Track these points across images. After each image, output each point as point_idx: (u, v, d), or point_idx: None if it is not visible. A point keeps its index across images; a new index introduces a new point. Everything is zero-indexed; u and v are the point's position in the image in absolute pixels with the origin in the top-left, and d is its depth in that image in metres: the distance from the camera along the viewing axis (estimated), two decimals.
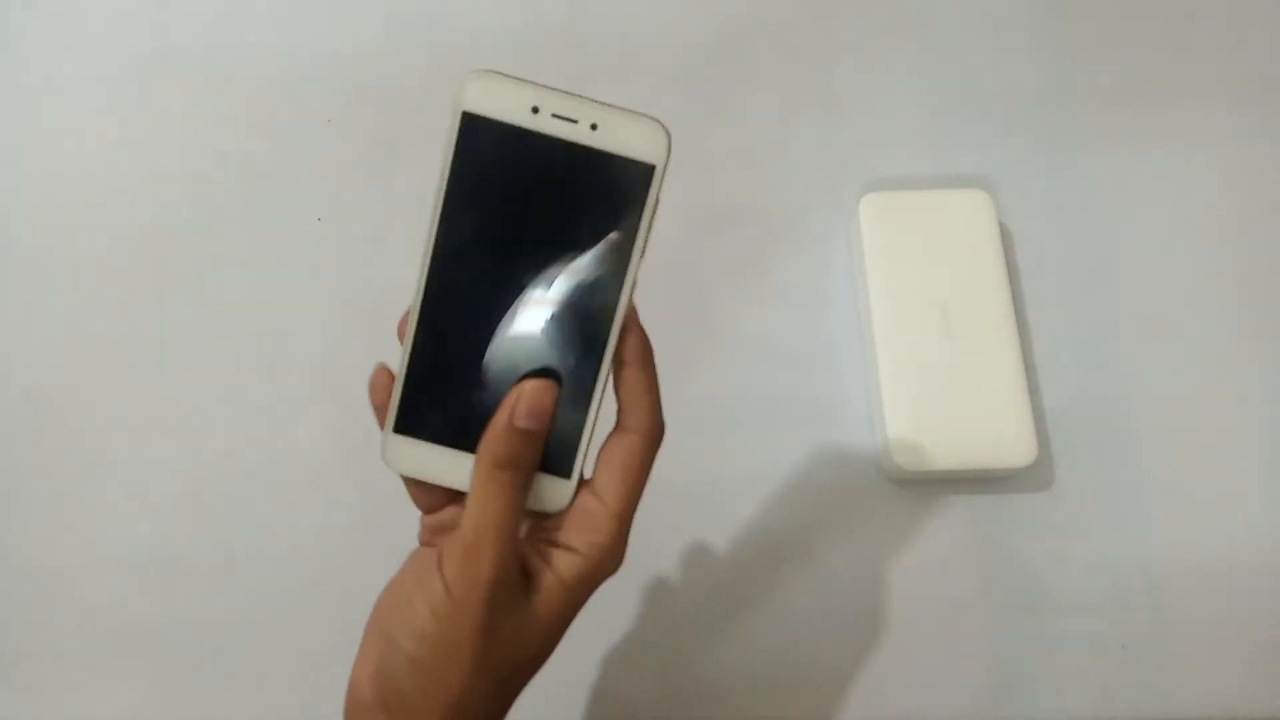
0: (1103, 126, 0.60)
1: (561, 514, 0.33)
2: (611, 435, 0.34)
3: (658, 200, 0.33)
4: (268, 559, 0.52)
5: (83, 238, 0.59)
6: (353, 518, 0.53)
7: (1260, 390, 0.55)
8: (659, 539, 0.52)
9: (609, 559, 0.33)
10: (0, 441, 0.55)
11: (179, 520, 0.53)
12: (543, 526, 0.34)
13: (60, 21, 0.64)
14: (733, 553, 0.52)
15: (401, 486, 0.54)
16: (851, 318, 0.56)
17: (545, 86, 0.32)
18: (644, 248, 0.32)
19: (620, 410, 0.34)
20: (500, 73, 0.31)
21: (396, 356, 0.36)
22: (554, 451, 0.33)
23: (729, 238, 0.58)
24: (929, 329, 0.52)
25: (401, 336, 0.33)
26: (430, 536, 0.36)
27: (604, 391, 0.33)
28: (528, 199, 0.32)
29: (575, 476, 0.33)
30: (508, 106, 0.31)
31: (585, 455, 0.33)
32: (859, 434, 0.54)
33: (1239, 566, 0.51)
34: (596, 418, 0.33)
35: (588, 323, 0.32)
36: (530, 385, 0.31)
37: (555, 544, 0.33)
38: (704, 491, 0.53)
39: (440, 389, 0.33)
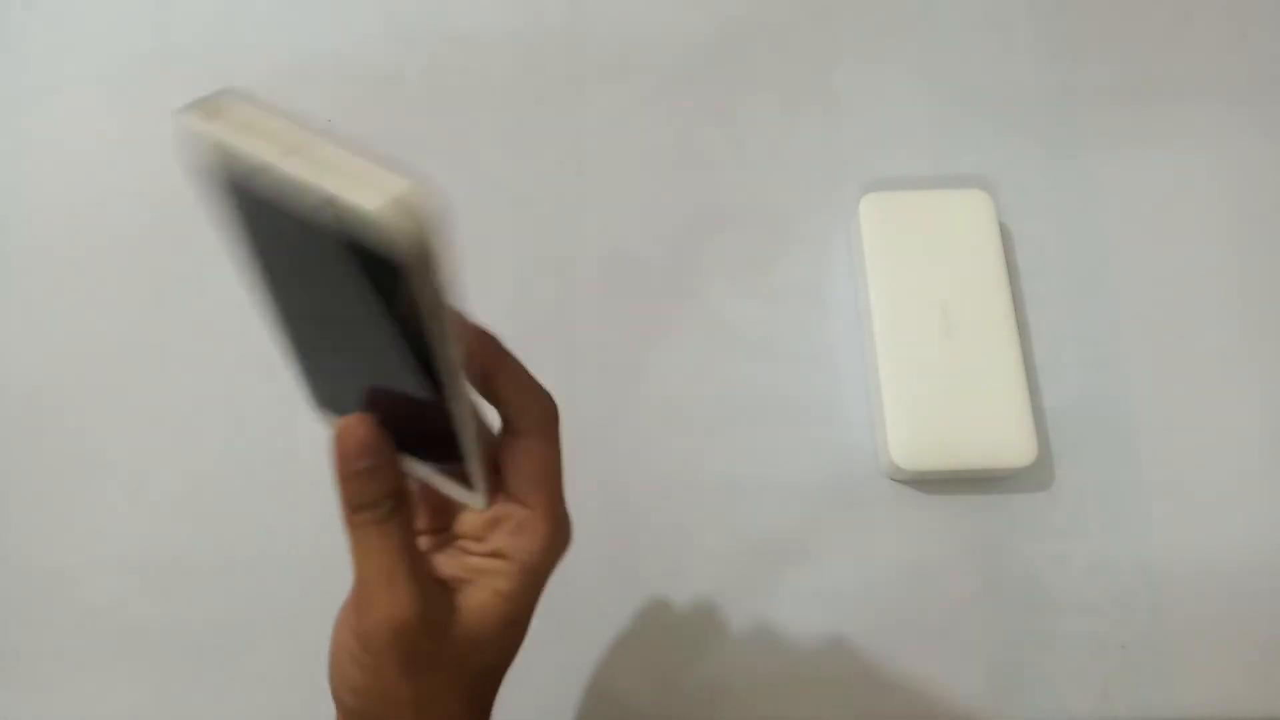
0: (1103, 126, 0.60)
1: (491, 518, 0.33)
2: (506, 441, 0.33)
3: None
4: (267, 559, 0.52)
5: (83, 238, 0.59)
6: None
7: (1260, 390, 0.55)
8: (658, 538, 0.52)
9: (551, 554, 0.33)
10: (0, 441, 0.55)
11: (179, 520, 0.53)
12: (478, 538, 0.34)
13: (60, 21, 0.64)
14: (733, 552, 0.52)
15: None
16: (851, 318, 0.56)
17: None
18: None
19: (502, 414, 0.32)
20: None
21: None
22: (454, 466, 0.32)
23: (729, 238, 0.58)
24: (929, 329, 0.52)
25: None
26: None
27: (461, 404, 0.29)
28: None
29: (479, 486, 0.32)
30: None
31: (478, 464, 0.31)
32: (859, 434, 0.54)
33: (1239, 566, 0.51)
34: (471, 432, 0.30)
35: (402, 356, 0.27)
36: (339, 430, 0.31)
37: (493, 554, 0.33)
38: (704, 491, 0.53)
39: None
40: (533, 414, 0.32)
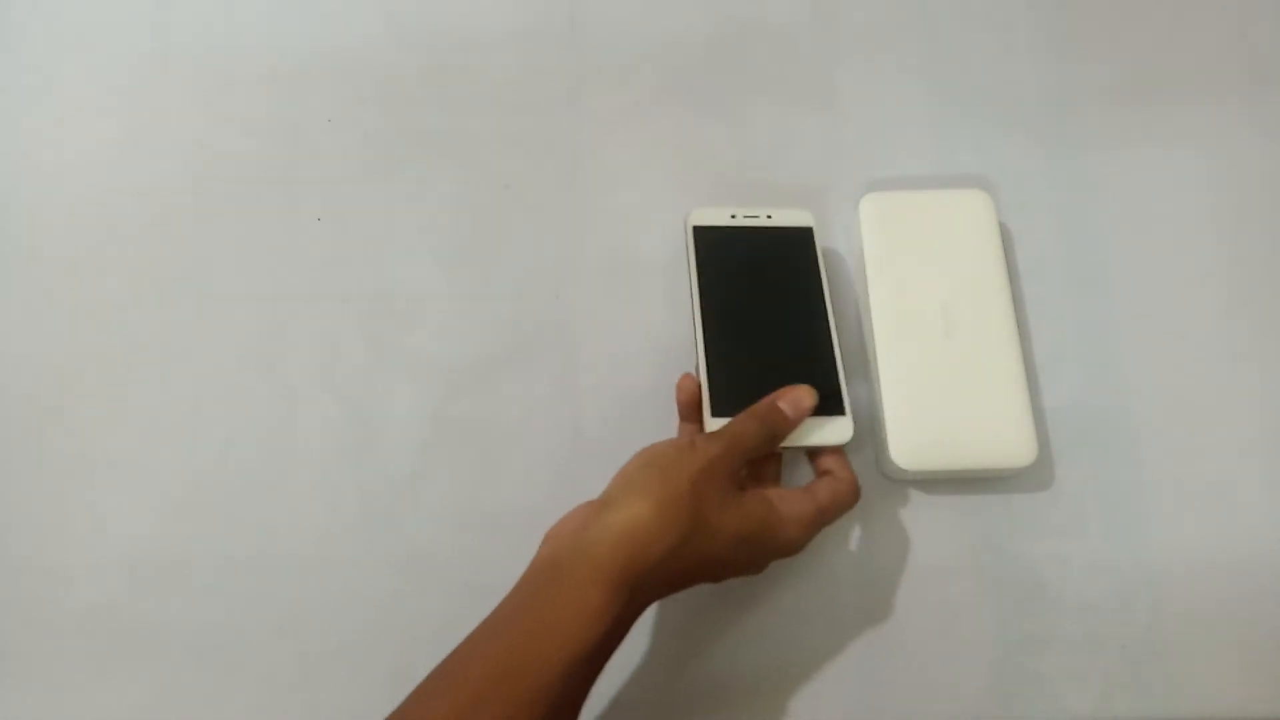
0: (1103, 126, 0.60)
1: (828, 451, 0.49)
2: (825, 475, 0.49)
3: (820, 248, 0.54)
4: (267, 559, 0.52)
5: (83, 238, 0.59)
6: (353, 517, 0.53)
7: (1260, 391, 0.55)
8: None
9: (799, 525, 0.45)
10: (1, 442, 0.55)
11: (179, 520, 0.53)
12: (780, 492, 0.46)
13: (60, 21, 0.64)
14: None
15: (400, 488, 0.54)
16: (852, 317, 0.56)
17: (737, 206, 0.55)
18: (825, 274, 0.53)
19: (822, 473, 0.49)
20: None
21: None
22: (829, 401, 0.49)
23: None
24: (929, 329, 0.52)
25: (680, 393, 0.50)
26: (686, 432, 0.51)
27: (840, 355, 0.51)
28: (749, 268, 0.53)
29: (849, 412, 0.49)
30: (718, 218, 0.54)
31: (847, 395, 0.50)
32: (859, 434, 0.54)
33: (1239, 566, 0.51)
34: (842, 374, 0.50)
35: (813, 321, 0.52)
36: (795, 389, 0.48)
37: (778, 494, 0.45)
38: None
39: (733, 390, 0.49)
40: (849, 478, 0.49)
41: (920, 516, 0.53)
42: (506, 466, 0.54)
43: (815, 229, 0.54)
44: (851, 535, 0.52)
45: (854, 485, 0.48)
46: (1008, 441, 0.50)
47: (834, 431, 0.49)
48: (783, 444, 0.48)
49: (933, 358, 0.52)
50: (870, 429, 0.54)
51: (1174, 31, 0.62)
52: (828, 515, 0.46)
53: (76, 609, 0.52)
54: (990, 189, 0.56)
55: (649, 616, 0.50)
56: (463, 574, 0.51)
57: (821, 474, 0.49)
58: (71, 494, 0.54)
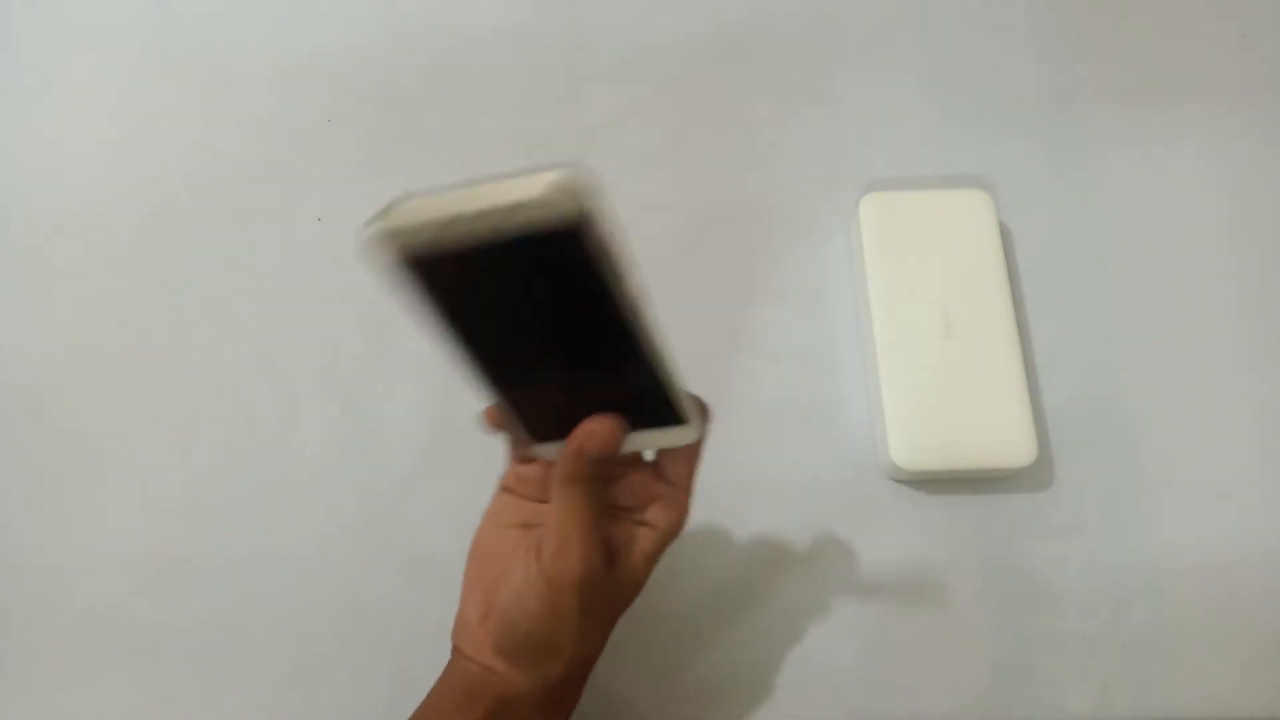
0: (1103, 126, 0.60)
1: (644, 497, 0.41)
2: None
3: (598, 235, 0.30)
4: (267, 559, 0.52)
5: (83, 237, 0.59)
6: (352, 517, 0.53)
7: (1260, 390, 0.55)
8: None
9: (680, 525, 0.41)
10: (1, 441, 0.55)
11: (179, 520, 0.53)
12: (628, 509, 0.42)
13: (61, 21, 0.64)
14: (733, 552, 0.52)
15: (400, 488, 0.54)
16: (851, 318, 0.56)
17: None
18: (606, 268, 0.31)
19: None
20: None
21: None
22: (662, 411, 0.37)
23: (729, 238, 0.58)
24: (929, 329, 0.52)
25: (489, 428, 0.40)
26: (515, 483, 0.44)
27: (661, 354, 0.35)
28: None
29: (688, 414, 0.38)
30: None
31: (679, 398, 0.37)
32: (859, 434, 0.54)
33: (1239, 567, 0.51)
34: (669, 373, 0.36)
35: (606, 333, 0.34)
36: (587, 430, 0.37)
37: (640, 523, 0.41)
38: (704, 491, 0.53)
39: (545, 416, 0.38)
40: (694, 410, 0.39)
41: (920, 516, 0.53)
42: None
43: (586, 213, 0.28)
44: (851, 535, 0.52)
45: (684, 515, 0.41)
46: (1008, 441, 0.50)
47: (677, 437, 0.39)
48: (626, 450, 0.38)
49: (933, 358, 0.52)
50: (870, 429, 0.54)
51: (1174, 31, 0.62)
52: (693, 485, 0.41)
53: (76, 609, 0.52)
54: (990, 189, 0.56)
55: (649, 617, 0.50)
56: (462, 574, 0.51)
57: (654, 498, 0.41)
58: (71, 494, 0.54)
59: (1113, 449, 0.54)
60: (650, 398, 0.37)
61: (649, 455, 0.42)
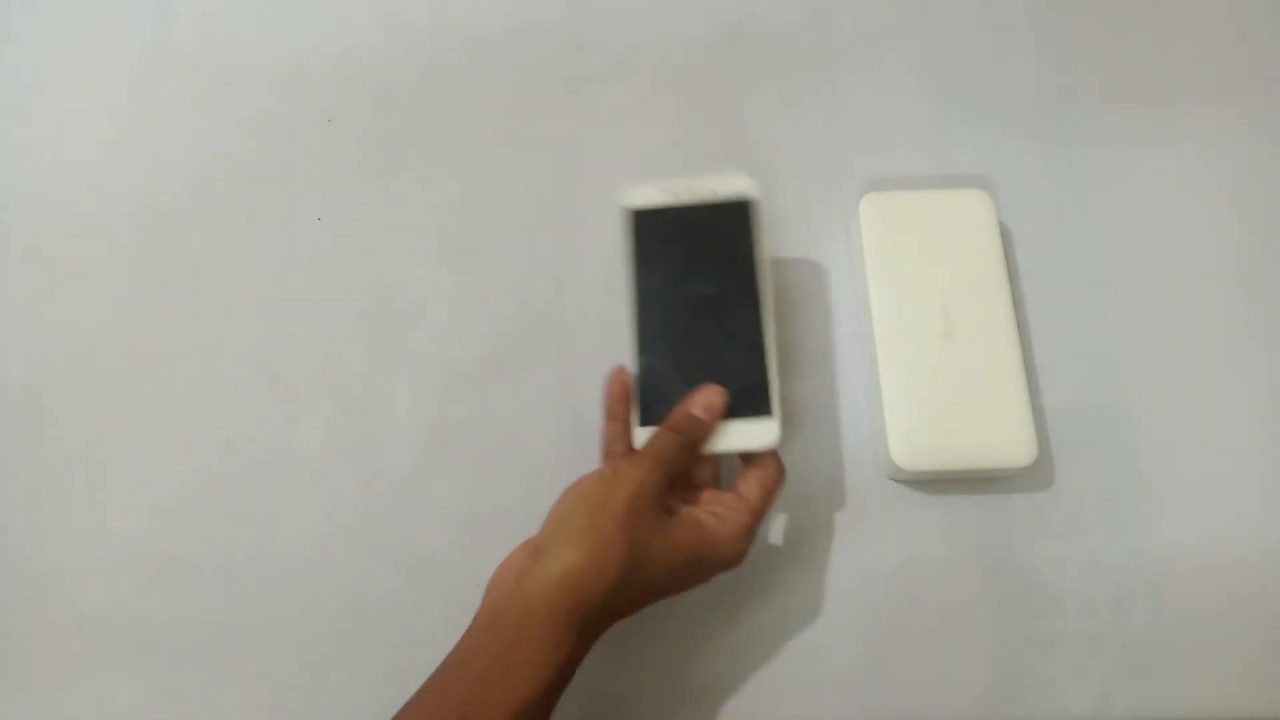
0: (1103, 126, 0.60)
1: (723, 489, 0.47)
2: (752, 465, 0.47)
3: (760, 222, 0.49)
4: (267, 559, 0.52)
5: (83, 237, 0.59)
6: (352, 517, 0.53)
7: (1260, 390, 0.55)
8: None
9: (734, 541, 0.44)
10: (1, 441, 0.55)
11: (179, 520, 0.53)
12: (700, 500, 0.46)
13: (60, 21, 0.64)
14: None
15: (400, 488, 0.54)
16: (851, 317, 0.56)
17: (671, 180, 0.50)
18: (761, 255, 0.48)
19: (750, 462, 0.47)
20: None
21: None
22: (755, 400, 0.46)
23: None
24: (929, 329, 0.52)
25: (611, 386, 0.47)
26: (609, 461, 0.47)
27: (773, 349, 0.47)
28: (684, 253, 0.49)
29: (776, 414, 0.46)
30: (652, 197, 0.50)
31: (776, 396, 0.46)
32: (859, 434, 0.54)
33: (1239, 567, 0.51)
34: (774, 371, 0.46)
35: (745, 312, 0.47)
36: (705, 389, 0.46)
37: (705, 506, 0.45)
38: None
39: (660, 396, 0.47)
40: (774, 463, 0.47)
41: (920, 516, 0.53)
42: (506, 466, 0.54)
43: (756, 200, 0.49)
44: (852, 535, 0.52)
45: (779, 467, 0.46)
46: (1008, 441, 0.50)
47: (759, 434, 0.46)
48: (706, 449, 0.46)
49: (933, 358, 0.52)
50: (870, 429, 0.54)
51: (1174, 31, 0.62)
52: (762, 514, 0.45)
53: (76, 609, 0.52)
54: (990, 189, 0.56)
55: (648, 617, 0.50)
56: (463, 574, 0.51)
57: (747, 465, 0.47)
58: (71, 494, 0.54)
59: (1113, 449, 0.54)
60: (750, 384, 0.46)
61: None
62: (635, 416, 0.47)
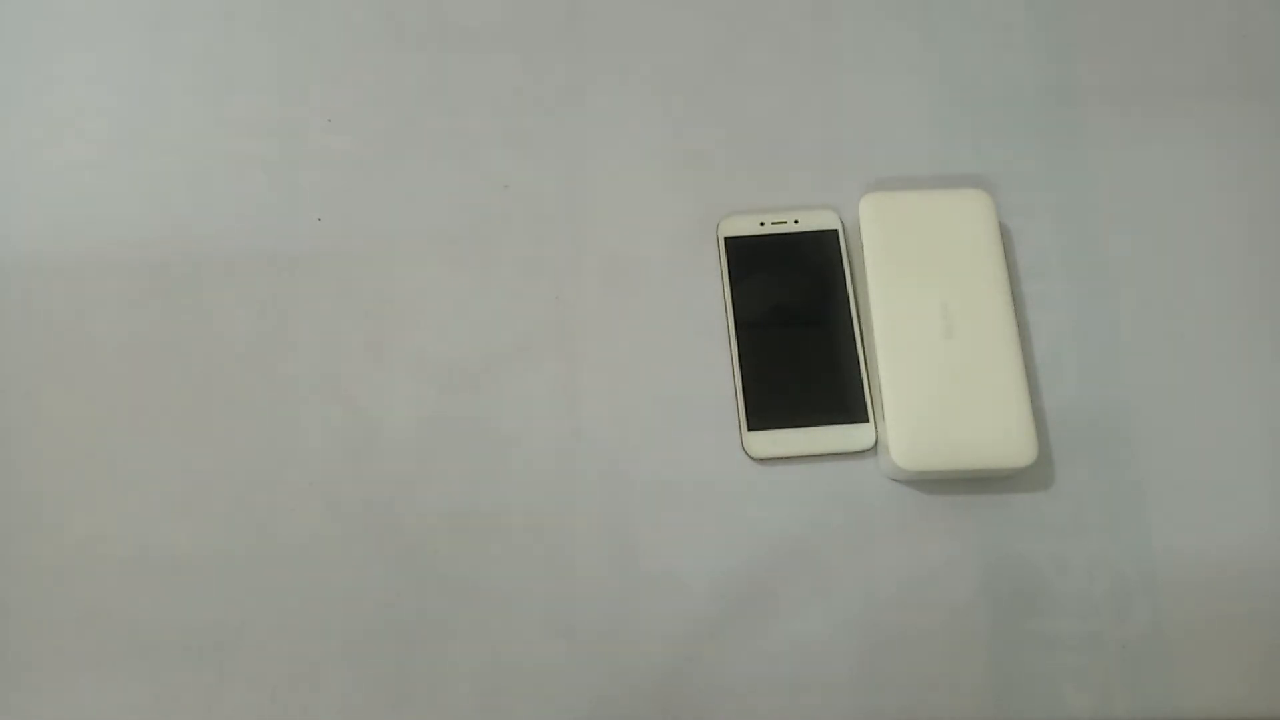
0: (1103, 126, 0.60)
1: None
2: None
3: (846, 249, 0.56)
4: (267, 559, 0.52)
5: (83, 238, 0.59)
6: (352, 518, 0.53)
7: (1260, 391, 0.55)
8: (658, 539, 0.52)
9: None
10: (1, 441, 0.55)
11: (179, 520, 0.53)
12: None
13: (60, 21, 0.64)
14: (733, 553, 0.52)
15: (400, 488, 0.54)
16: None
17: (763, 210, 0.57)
18: (854, 277, 0.55)
19: None
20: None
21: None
22: (852, 404, 0.53)
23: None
24: (929, 329, 0.52)
25: None
26: None
27: (865, 359, 0.53)
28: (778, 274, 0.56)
29: (871, 419, 0.52)
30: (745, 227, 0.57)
31: (871, 401, 0.53)
32: (859, 434, 0.54)
33: (1239, 567, 0.51)
34: (866, 379, 0.53)
35: (839, 328, 0.55)
36: None
37: None
38: (706, 489, 0.53)
39: (768, 409, 0.54)
40: None
41: (920, 516, 0.53)
42: (506, 466, 0.54)
43: (842, 230, 0.56)
44: (852, 535, 0.52)
45: None
46: (1008, 441, 0.50)
47: (856, 438, 0.52)
48: (805, 451, 0.51)
49: (933, 358, 0.52)
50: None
51: (1174, 31, 0.62)
52: None
53: (76, 609, 0.52)
54: (990, 189, 0.56)
55: (649, 616, 0.50)
56: (463, 574, 0.51)
57: None
58: (71, 494, 0.54)
59: (1113, 449, 0.54)
60: (847, 388, 0.53)
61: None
62: (743, 424, 0.53)
